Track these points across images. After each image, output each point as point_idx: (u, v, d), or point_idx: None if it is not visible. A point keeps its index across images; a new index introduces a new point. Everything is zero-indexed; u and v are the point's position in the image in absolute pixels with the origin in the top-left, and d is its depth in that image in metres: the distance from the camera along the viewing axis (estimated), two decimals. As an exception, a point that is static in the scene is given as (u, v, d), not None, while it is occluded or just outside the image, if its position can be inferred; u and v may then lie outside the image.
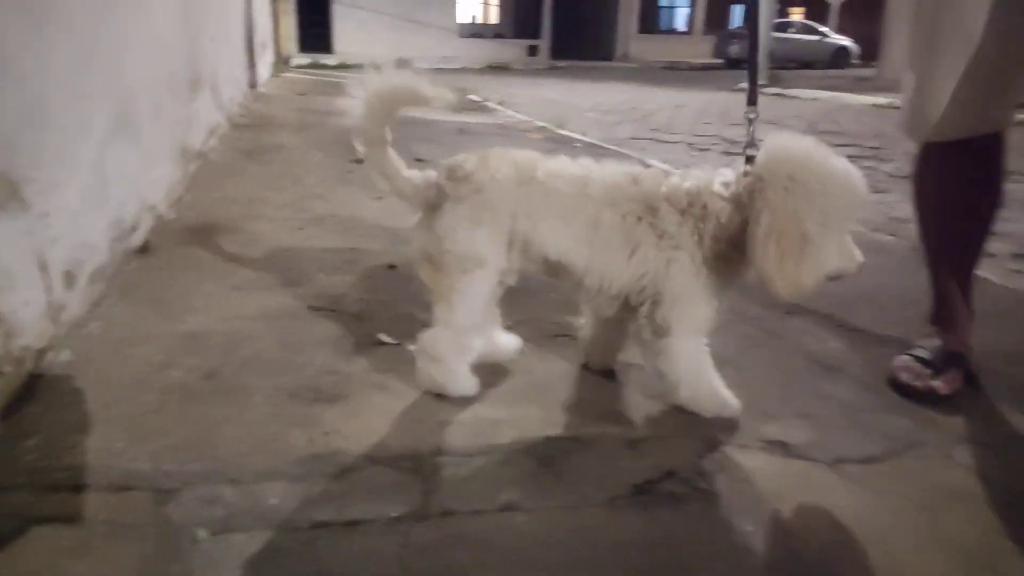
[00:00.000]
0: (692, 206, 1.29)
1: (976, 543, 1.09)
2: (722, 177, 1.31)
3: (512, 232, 1.33)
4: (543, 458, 1.25)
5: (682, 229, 1.29)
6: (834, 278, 1.26)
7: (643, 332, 1.37)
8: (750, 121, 1.36)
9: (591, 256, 1.32)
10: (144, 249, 2.19)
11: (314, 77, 10.31)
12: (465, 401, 1.42)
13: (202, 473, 1.15)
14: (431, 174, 1.39)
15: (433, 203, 1.36)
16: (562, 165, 1.36)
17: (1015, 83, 1.46)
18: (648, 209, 1.30)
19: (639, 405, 1.45)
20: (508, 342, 1.58)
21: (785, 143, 1.25)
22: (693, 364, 1.37)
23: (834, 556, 1.05)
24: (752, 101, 1.39)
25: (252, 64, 6.55)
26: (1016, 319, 2.01)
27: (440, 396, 1.42)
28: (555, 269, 1.37)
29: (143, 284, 1.95)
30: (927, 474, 1.26)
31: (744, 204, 1.25)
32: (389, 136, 1.38)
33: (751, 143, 1.32)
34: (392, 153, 1.39)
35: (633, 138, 6.11)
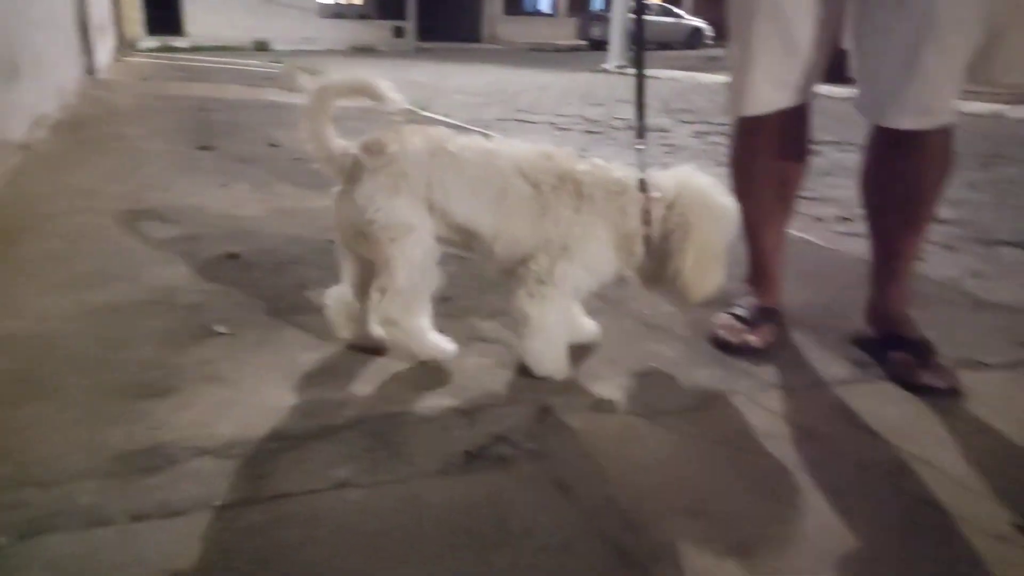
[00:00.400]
0: (621, 195, 1.43)
1: (770, 477, 1.21)
2: (633, 174, 1.46)
3: (429, 200, 1.42)
4: (378, 434, 1.27)
5: (609, 205, 1.42)
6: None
7: (527, 275, 1.44)
8: (639, 151, 1.48)
9: (497, 223, 1.43)
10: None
11: (163, 62, 9.72)
12: (302, 385, 1.42)
13: (5, 478, 1.09)
14: (349, 146, 1.46)
15: (351, 175, 1.43)
16: (474, 140, 1.47)
17: (822, 59, 1.60)
18: (565, 180, 1.43)
19: (477, 377, 1.49)
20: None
21: (696, 177, 1.46)
22: (556, 319, 1.47)
23: (645, 499, 1.13)
24: (641, 135, 1.52)
25: (88, 49, 6.10)
26: (833, 277, 2.21)
27: (273, 383, 1.41)
28: (468, 236, 1.46)
29: (-49, 287, 1.80)
30: (735, 419, 1.38)
31: (669, 219, 1.43)
32: (331, 112, 1.46)
33: (642, 170, 1.45)
34: (329, 125, 1.46)
35: (499, 119, 6.17)
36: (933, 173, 1.56)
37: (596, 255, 1.44)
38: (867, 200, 1.68)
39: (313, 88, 1.44)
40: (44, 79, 3.89)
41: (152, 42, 13.07)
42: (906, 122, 1.47)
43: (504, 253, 1.45)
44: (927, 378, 1.50)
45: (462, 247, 1.51)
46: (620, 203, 1.43)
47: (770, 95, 1.60)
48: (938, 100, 1.45)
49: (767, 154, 1.70)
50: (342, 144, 1.46)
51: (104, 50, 7.46)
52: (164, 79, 7.15)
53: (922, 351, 1.55)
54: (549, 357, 1.48)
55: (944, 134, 1.51)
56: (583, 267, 1.43)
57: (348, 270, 1.54)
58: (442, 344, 1.51)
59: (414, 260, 1.41)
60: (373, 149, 1.42)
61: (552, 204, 1.42)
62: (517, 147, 1.47)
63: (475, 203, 1.42)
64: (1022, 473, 1.25)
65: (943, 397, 1.48)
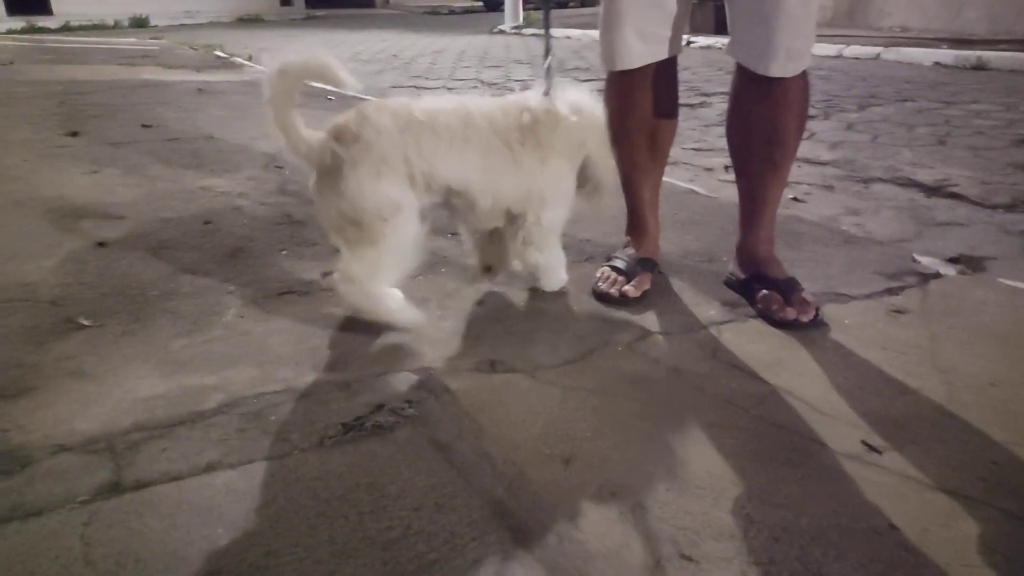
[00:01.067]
0: (571, 131, 1.61)
1: (642, 419, 1.25)
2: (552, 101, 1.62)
3: (411, 175, 1.46)
4: (252, 415, 1.24)
5: (567, 145, 1.61)
6: None
7: (529, 232, 1.62)
8: (547, 71, 1.65)
9: (485, 179, 1.53)
10: None
11: (27, 44, 9.05)
12: (172, 372, 1.37)
13: None
14: (322, 137, 1.46)
15: (330, 167, 1.43)
16: (437, 102, 1.52)
17: (686, 11, 1.63)
18: (526, 134, 1.55)
19: (356, 349, 1.48)
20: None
21: (582, 96, 1.67)
22: (559, 254, 1.73)
23: (520, 451, 1.15)
24: (546, 55, 1.68)
25: (-63, 32, 5.61)
26: (711, 225, 2.28)
27: (140, 374, 1.36)
28: (455, 196, 1.54)
29: None
30: (611, 367, 1.42)
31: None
32: (296, 99, 1.45)
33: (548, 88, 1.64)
34: (295, 114, 1.45)
35: (394, 86, 6.04)
36: (793, 117, 1.62)
37: (567, 193, 1.66)
38: (732, 144, 1.74)
39: (271, 73, 1.40)
40: None
41: (15, 23, 12.12)
42: (775, 68, 1.52)
43: (489, 207, 1.57)
44: (791, 313, 1.58)
45: (445, 207, 1.59)
46: (575, 139, 1.62)
47: (640, 49, 1.63)
48: (802, 45, 1.51)
49: (639, 108, 1.73)
50: (313, 134, 1.46)
51: (-42, 33, 6.88)
52: (29, 62, 6.66)
53: (787, 288, 1.63)
54: (563, 276, 1.76)
55: (802, 79, 1.58)
56: (563, 207, 1.65)
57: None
58: (406, 311, 1.53)
59: (405, 237, 1.46)
60: (346, 137, 1.42)
61: (523, 160, 1.55)
62: (483, 104, 1.57)
63: (462, 163, 1.50)
64: (873, 394, 1.33)
65: (807, 330, 1.57)
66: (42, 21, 12.84)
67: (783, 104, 1.60)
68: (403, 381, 1.36)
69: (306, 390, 1.33)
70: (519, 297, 1.74)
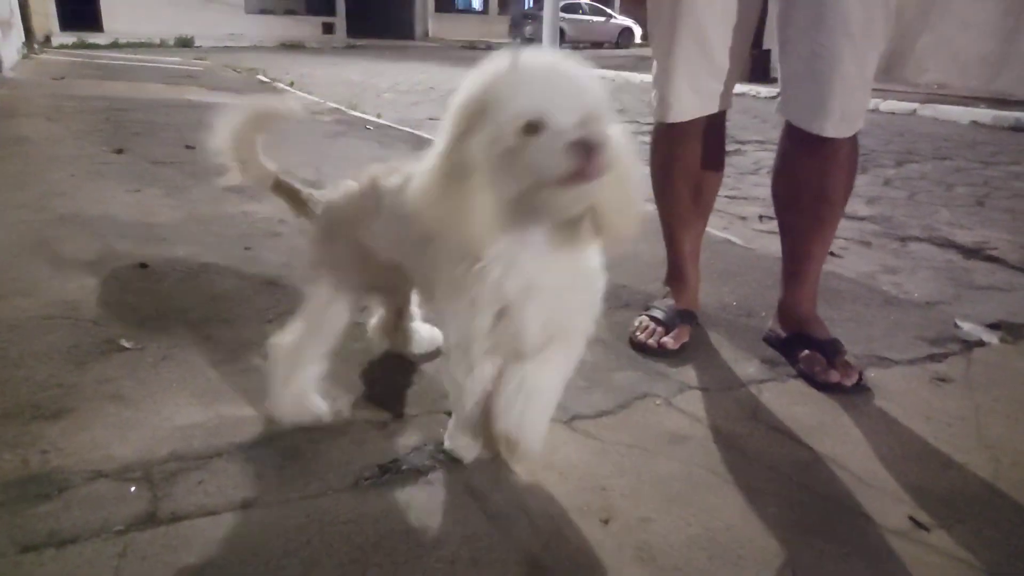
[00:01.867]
0: None
1: (682, 480, 1.22)
2: None
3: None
4: (289, 451, 1.24)
5: None
6: None
7: None
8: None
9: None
10: None
11: (78, 59, 9.31)
12: (210, 401, 1.37)
13: None
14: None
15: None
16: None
17: (738, 66, 1.64)
18: None
19: (392, 388, 1.47)
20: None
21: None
22: None
23: (558, 506, 1.13)
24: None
25: (-8, 45, 5.80)
26: (749, 276, 2.26)
27: (179, 400, 1.36)
28: None
29: None
30: (650, 422, 1.40)
31: None
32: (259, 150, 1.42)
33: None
34: (264, 163, 1.43)
35: (430, 118, 6.12)
36: (843, 177, 1.61)
37: None
38: (779, 201, 1.73)
39: (222, 138, 1.37)
40: (-59, 78, 3.67)
41: (67, 38, 12.49)
42: (829, 129, 1.51)
43: None
44: (834, 376, 1.55)
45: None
46: None
47: (692, 102, 1.64)
48: (858, 106, 1.51)
49: (686, 160, 1.74)
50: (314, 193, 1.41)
51: (11, 47, 7.11)
52: (78, 77, 6.84)
53: (830, 350, 1.60)
54: None
55: (854, 140, 1.57)
56: None
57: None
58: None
59: None
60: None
61: None
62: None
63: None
64: (919, 467, 1.30)
65: (850, 394, 1.53)
66: (92, 37, 13.23)
67: (834, 163, 1.59)
68: (439, 423, 1.34)
69: (342, 428, 1.32)
70: (555, 342, 1.72)
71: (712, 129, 1.72)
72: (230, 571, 0.97)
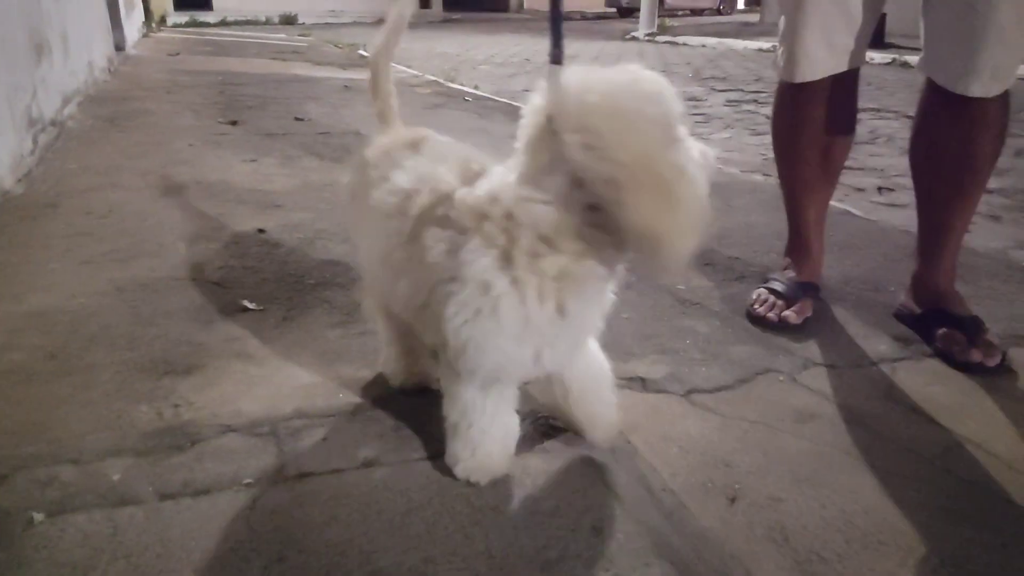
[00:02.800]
0: None
1: (813, 459, 1.16)
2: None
3: None
4: (405, 413, 1.24)
5: None
6: None
7: None
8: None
9: None
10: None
11: (191, 36, 9.72)
12: (329, 362, 1.39)
13: (37, 455, 1.09)
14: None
15: None
16: None
17: (871, 21, 1.53)
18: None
19: (506, 353, 1.46)
20: None
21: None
22: None
23: (681, 481, 1.09)
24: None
25: (117, 24, 6.10)
26: (871, 249, 2.13)
27: (301, 360, 1.39)
28: None
29: (-17, 264, 1.81)
30: (774, 398, 1.33)
31: None
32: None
33: None
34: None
35: (526, 90, 6.06)
36: (990, 141, 1.48)
37: None
38: (917, 167, 1.60)
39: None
40: (74, 56, 3.89)
41: (180, 17, 13.07)
42: (976, 88, 1.38)
43: None
44: (976, 355, 1.43)
45: None
46: None
47: (825, 59, 1.53)
48: (1011, 62, 1.37)
49: (814, 123, 1.63)
50: None
51: (133, 26, 7.48)
52: (192, 54, 7.14)
53: (970, 328, 1.48)
54: None
55: (1003, 100, 1.43)
56: None
57: None
58: None
59: None
60: None
61: None
62: None
63: None
64: (1079, 455, 1.18)
65: (992, 375, 1.42)
66: (203, 16, 13.80)
67: (981, 126, 1.46)
68: (556, 392, 1.32)
69: (457, 392, 1.31)
70: (666, 313, 1.66)
71: (843, 89, 1.60)
72: (355, 528, 0.98)
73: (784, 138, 1.69)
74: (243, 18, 14.39)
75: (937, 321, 1.53)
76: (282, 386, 1.31)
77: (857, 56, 1.56)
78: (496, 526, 0.99)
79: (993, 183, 3.06)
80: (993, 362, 1.43)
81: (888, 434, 1.23)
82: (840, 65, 1.55)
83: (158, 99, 4.32)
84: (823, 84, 1.57)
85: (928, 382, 1.40)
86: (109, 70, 5.21)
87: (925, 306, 1.58)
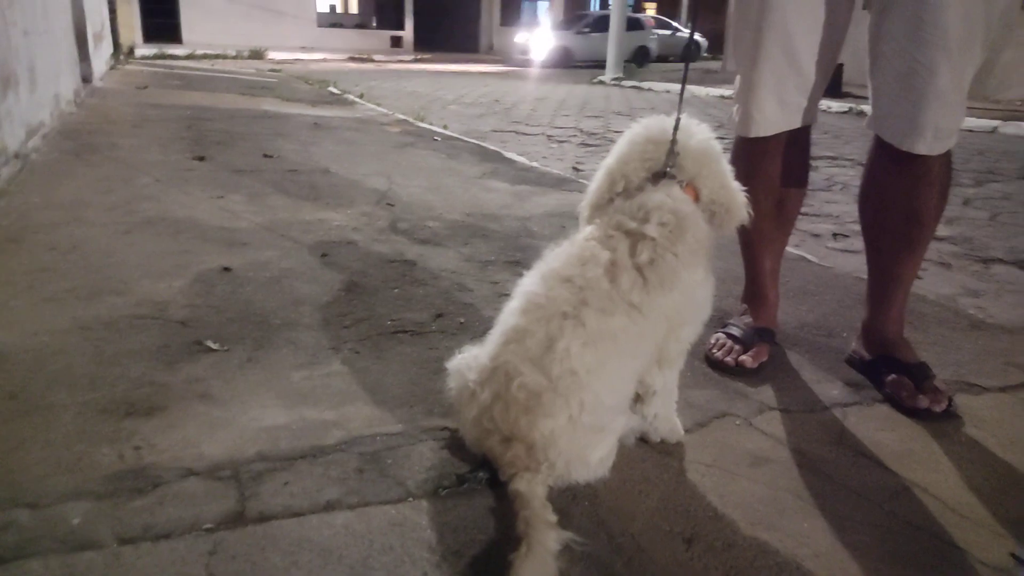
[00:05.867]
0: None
1: (766, 504, 1.19)
2: None
3: None
4: (370, 456, 1.25)
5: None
6: None
7: None
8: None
9: None
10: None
11: (159, 70, 9.70)
12: (294, 404, 1.40)
13: (-7, 500, 1.08)
14: None
15: None
16: None
17: (823, 79, 1.62)
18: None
19: (470, 396, 1.48)
20: None
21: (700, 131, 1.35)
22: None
23: (638, 524, 1.12)
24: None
25: (85, 56, 6.08)
26: (825, 295, 2.20)
27: (264, 402, 1.39)
28: None
29: (-60, 300, 1.78)
30: (730, 442, 1.37)
31: None
32: None
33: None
34: None
35: (495, 131, 6.17)
36: (934, 196, 1.56)
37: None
38: (866, 221, 1.68)
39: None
40: (40, 88, 3.87)
41: (149, 50, 13.06)
42: (921, 146, 1.46)
43: None
44: (923, 401, 1.49)
45: None
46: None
47: (777, 116, 1.61)
48: (952, 123, 1.46)
49: (768, 176, 1.70)
50: None
51: (101, 58, 7.45)
52: (160, 87, 7.13)
53: (918, 374, 1.54)
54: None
55: (946, 159, 1.52)
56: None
57: None
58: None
59: None
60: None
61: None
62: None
63: None
64: (1018, 500, 1.24)
65: (939, 421, 1.47)
66: (171, 49, 13.78)
67: (925, 182, 1.54)
68: (516, 435, 1.34)
69: (421, 435, 1.33)
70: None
71: (796, 144, 1.68)
72: (316, 574, 0.98)
73: None
74: (212, 52, 14.42)
75: (886, 367, 1.59)
76: (245, 428, 1.31)
77: (809, 113, 1.64)
78: (457, 571, 1.00)
79: (943, 231, 3.19)
80: (940, 407, 1.49)
81: (839, 479, 1.27)
82: (793, 122, 1.62)
83: (125, 133, 4.31)
84: (777, 139, 1.64)
85: (878, 427, 1.45)
86: (76, 103, 5.18)
87: (875, 352, 1.65)
